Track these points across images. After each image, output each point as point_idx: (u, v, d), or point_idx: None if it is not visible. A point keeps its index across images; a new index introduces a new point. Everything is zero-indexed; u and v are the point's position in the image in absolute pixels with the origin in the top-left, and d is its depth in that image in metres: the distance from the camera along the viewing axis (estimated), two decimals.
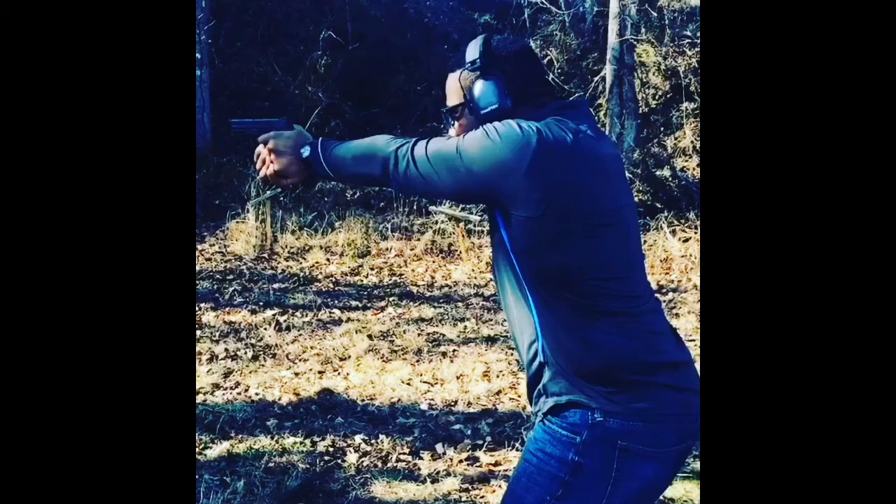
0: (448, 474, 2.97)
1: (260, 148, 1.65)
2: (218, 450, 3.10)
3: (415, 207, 7.54)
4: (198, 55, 8.79)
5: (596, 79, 9.15)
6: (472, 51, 1.57)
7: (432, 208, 7.22)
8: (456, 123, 1.63)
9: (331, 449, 3.16)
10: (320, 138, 1.63)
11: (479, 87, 1.55)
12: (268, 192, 6.63)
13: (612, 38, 8.31)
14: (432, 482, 2.91)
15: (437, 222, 7.08)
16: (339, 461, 3.07)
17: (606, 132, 7.25)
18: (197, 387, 3.73)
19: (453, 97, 1.62)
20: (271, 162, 1.63)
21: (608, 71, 8.49)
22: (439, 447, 3.19)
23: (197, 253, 6.49)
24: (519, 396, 3.70)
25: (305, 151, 1.60)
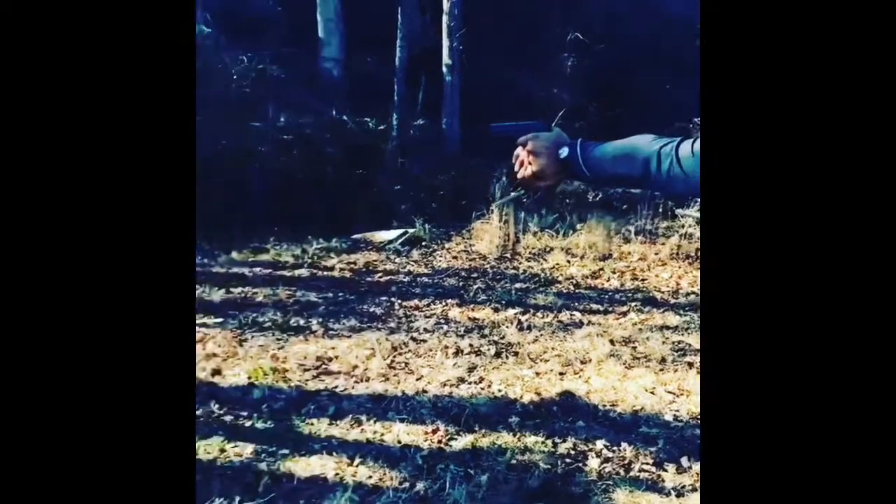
0: (694, 489, 2.84)
1: (519, 150, 1.68)
2: (462, 442, 3.21)
3: (660, 210, 7.30)
4: (449, 61, 9.19)
5: None
6: None
7: (679, 211, 6.95)
8: None
9: (572, 452, 3.15)
10: (579, 139, 1.62)
11: None
12: (512, 194, 6.76)
13: None
14: (677, 496, 2.80)
15: (683, 226, 6.80)
16: (581, 465, 3.05)
17: None
18: (443, 379, 3.89)
19: None
20: (529, 163, 1.65)
21: None
22: (685, 461, 3.06)
23: (444, 251, 6.78)
24: None
25: (563, 152, 1.60)
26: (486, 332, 4.70)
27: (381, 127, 8.58)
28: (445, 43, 9.24)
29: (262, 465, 2.95)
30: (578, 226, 7.09)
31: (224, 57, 7.64)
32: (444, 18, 9.24)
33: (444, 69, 9.27)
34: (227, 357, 4.13)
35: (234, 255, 6.26)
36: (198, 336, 4.42)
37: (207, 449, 3.05)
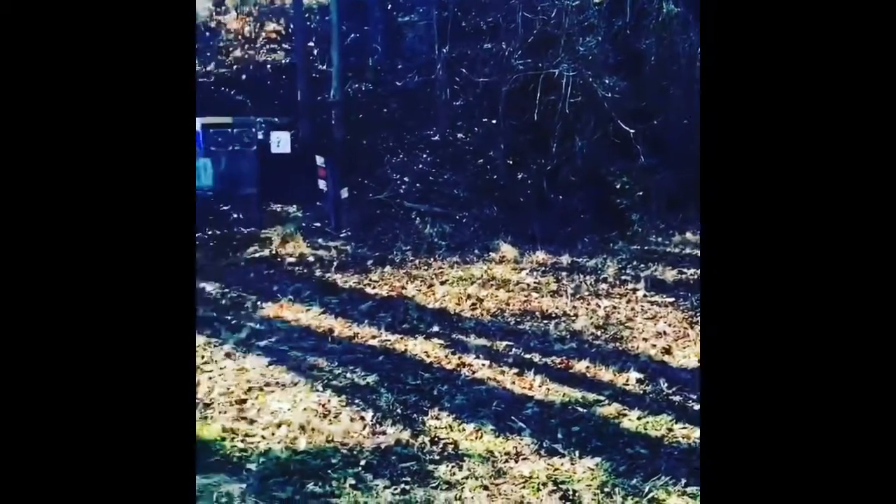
0: None
1: None
2: None
3: None
4: None
5: None
6: None
7: None
8: None
9: None
10: None
11: None
12: None
13: None
14: None
15: None
16: None
17: None
18: None
19: None
20: None
21: None
22: None
23: None
24: None
25: None
26: None
27: None
28: None
29: None
30: None
31: (690, 34, 7.54)
32: None
33: None
34: (677, 338, 4.12)
35: (689, 235, 6.21)
36: (649, 313, 4.49)
37: (655, 425, 3.10)
